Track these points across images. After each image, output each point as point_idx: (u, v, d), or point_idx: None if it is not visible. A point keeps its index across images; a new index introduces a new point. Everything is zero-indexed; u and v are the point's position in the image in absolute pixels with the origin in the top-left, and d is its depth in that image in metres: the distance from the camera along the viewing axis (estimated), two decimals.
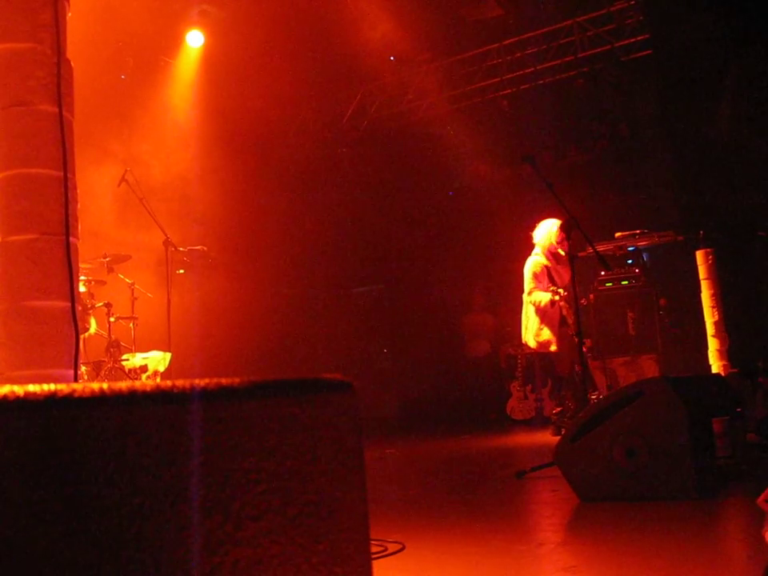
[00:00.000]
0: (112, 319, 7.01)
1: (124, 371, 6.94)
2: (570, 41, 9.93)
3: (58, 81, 2.42)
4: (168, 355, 7.06)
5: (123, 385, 1.11)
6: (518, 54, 10.28)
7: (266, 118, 10.13)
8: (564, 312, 7.08)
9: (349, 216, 11.61)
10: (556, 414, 7.34)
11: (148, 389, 1.11)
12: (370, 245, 11.66)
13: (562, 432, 6.64)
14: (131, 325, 7.18)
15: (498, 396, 9.71)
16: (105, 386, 1.09)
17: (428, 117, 10.94)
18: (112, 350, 6.91)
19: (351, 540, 1.24)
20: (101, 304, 6.92)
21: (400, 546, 2.90)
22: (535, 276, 7.15)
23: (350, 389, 1.24)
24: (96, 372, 6.81)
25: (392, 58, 10.82)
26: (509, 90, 10.41)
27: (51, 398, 1.04)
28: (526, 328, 7.31)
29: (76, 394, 1.05)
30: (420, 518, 3.72)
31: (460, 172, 11.33)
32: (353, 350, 11.31)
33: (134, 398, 1.09)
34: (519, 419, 9.21)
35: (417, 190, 11.36)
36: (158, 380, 6.78)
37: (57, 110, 2.41)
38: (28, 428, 1.03)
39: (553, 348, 7.17)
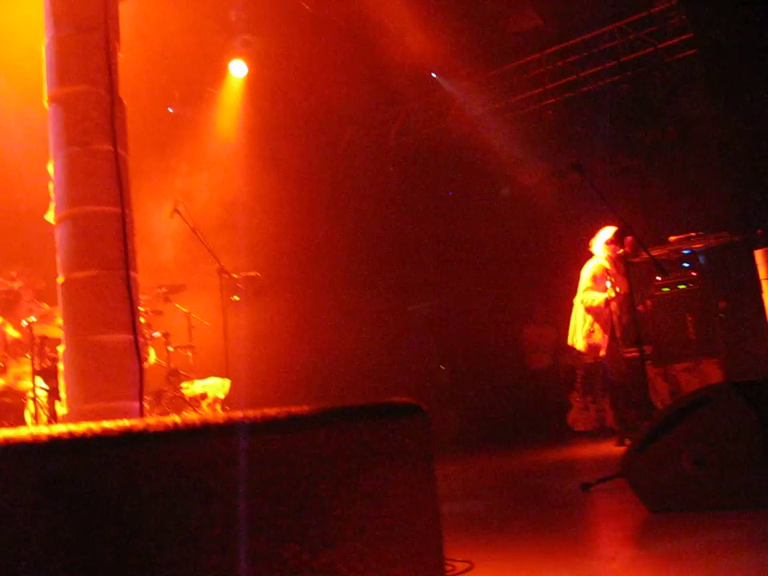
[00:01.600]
0: (170, 348, 7.11)
1: (184, 399, 7.02)
2: (612, 45, 9.85)
3: (112, 120, 2.47)
4: (227, 382, 7.12)
5: (196, 417, 1.12)
6: (560, 63, 10.23)
7: (312, 141, 10.23)
8: (614, 320, 7.00)
9: (400, 234, 11.63)
10: (617, 424, 7.24)
11: (220, 421, 1.12)
12: (424, 261, 11.66)
13: (626, 442, 6.56)
14: (189, 353, 7.26)
15: (559, 408, 9.60)
16: (178, 419, 1.10)
17: (473, 131, 10.93)
18: (172, 378, 6.99)
19: (426, 563, 1.24)
20: (159, 334, 7.02)
21: (468, 565, 2.87)
22: (594, 278, 7.09)
23: (420, 412, 1.24)
24: (157, 401, 6.90)
25: (434, 75, 10.85)
26: (553, 100, 10.36)
27: (127, 434, 1.06)
28: (575, 329, 7.25)
29: (150, 429, 1.07)
30: (486, 534, 3.69)
31: (508, 184, 11.28)
32: (410, 368, 11.29)
33: (206, 430, 1.11)
34: (581, 430, 9.09)
35: (466, 205, 11.34)
36: (218, 407, 6.84)
37: (112, 148, 2.46)
38: (107, 463, 1.04)
39: (602, 353, 7.09)
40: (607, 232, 7.22)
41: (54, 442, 1.05)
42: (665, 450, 3.57)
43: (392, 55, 9.49)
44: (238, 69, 9.69)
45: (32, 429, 1.07)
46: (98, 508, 1.10)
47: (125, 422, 1.10)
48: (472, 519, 4.27)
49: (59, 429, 1.05)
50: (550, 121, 10.34)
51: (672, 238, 8.08)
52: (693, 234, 8.05)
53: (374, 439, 1.22)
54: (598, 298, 6.96)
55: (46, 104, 2.66)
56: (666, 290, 8.13)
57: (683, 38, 9.33)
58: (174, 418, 1.14)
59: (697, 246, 8.15)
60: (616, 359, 7.18)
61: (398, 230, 11.63)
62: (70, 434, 1.04)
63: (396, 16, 8.93)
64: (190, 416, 1.19)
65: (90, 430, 1.06)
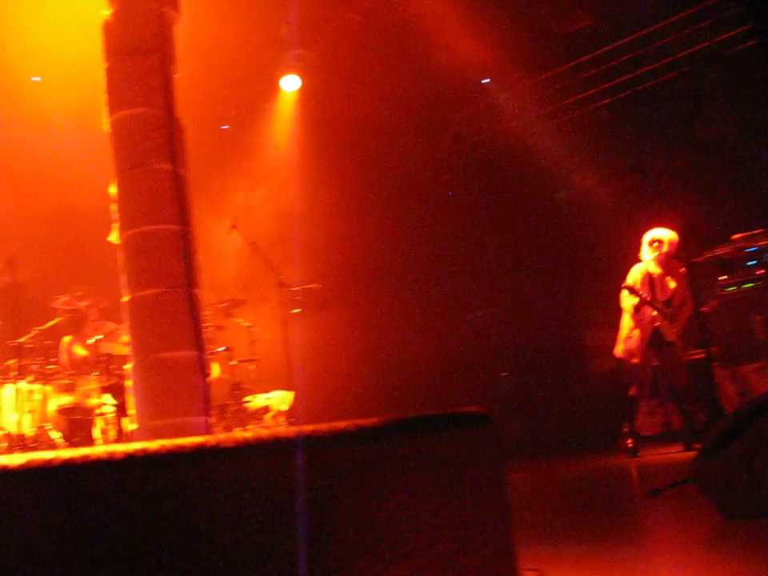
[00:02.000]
0: (233, 362, 7.20)
1: (248, 413, 7.10)
2: (667, 42, 9.69)
3: (171, 140, 2.52)
4: (290, 394, 7.18)
5: (266, 433, 1.13)
6: (614, 62, 10.10)
7: (366, 152, 10.27)
8: (662, 329, 6.88)
9: (457, 242, 11.59)
10: (684, 428, 7.11)
11: (290, 435, 1.13)
12: (483, 268, 11.60)
13: (694, 447, 6.43)
14: (252, 367, 7.34)
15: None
16: (248, 435, 1.11)
17: (526, 136, 10.85)
18: (235, 392, 7.08)
19: (500, 574, 1.23)
20: (222, 349, 7.11)
21: (538, 575, 2.83)
22: (634, 283, 6.98)
23: (489, 421, 1.23)
24: (221, 415, 6.99)
25: (485, 81, 10.81)
26: (607, 100, 10.23)
27: (199, 450, 1.07)
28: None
29: (222, 445, 1.08)
30: (554, 542, 3.63)
31: (565, 188, 11.16)
32: (471, 376, 11.23)
33: (277, 444, 1.12)
34: (647, 434, 8.92)
35: (522, 211, 11.26)
36: (282, 420, 6.90)
37: (171, 167, 2.50)
38: (180, 479, 1.06)
39: (635, 360, 6.98)
40: (650, 234, 7.10)
41: (130, 459, 1.07)
42: (737, 454, 3.48)
43: (443, 63, 9.48)
44: (289, 83, 9.79)
45: (108, 446, 1.09)
46: (172, 523, 1.11)
47: (197, 438, 1.12)
48: (539, 527, 4.21)
49: (134, 446, 1.07)
50: (605, 121, 10.21)
51: (735, 236, 7.91)
52: (757, 231, 7.86)
53: (443, 450, 1.22)
54: (628, 301, 6.86)
55: (106, 127, 2.71)
56: (732, 289, 7.95)
57: (741, 29, 9.13)
58: (244, 434, 1.15)
59: (762, 243, 7.96)
60: (675, 364, 7.05)
61: (455, 238, 11.59)
62: (145, 450, 1.06)
63: (445, 23, 8.93)
64: (259, 431, 1.20)
65: (164, 446, 1.07)
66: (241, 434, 1.15)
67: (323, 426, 1.20)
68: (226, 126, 9.61)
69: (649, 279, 6.99)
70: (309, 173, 9.40)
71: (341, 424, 1.21)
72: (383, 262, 10.30)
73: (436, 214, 11.74)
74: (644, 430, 8.98)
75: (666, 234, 7.10)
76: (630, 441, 7.11)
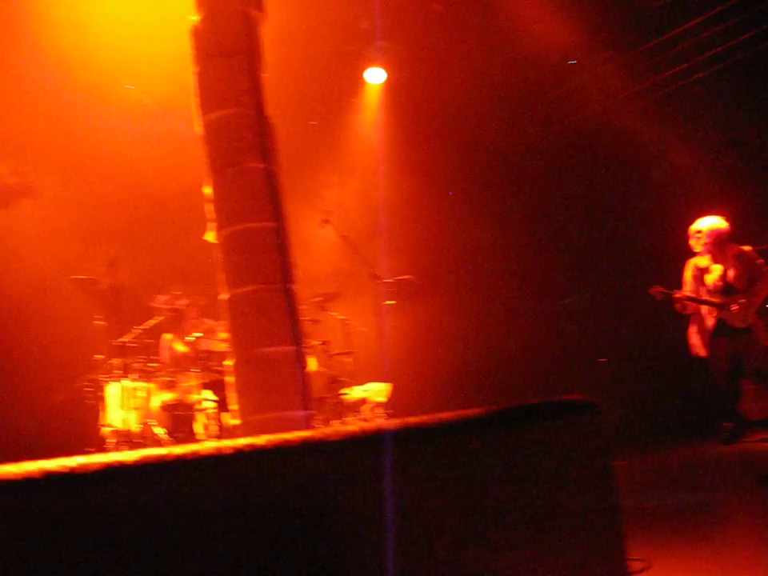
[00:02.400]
0: (330, 356, 7.27)
1: (346, 405, 7.16)
2: (764, 8, 9.29)
3: (262, 138, 2.55)
4: (387, 386, 7.21)
5: (370, 426, 1.14)
6: (707, 33, 9.76)
7: (453, 141, 10.21)
8: (727, 318, 6.66)
9: (550, 226, 11.43)
10: None
11: (395, 427, 1.13)
12: (577, 252, 11.40)
13: None
14: (348, 360, 7.40)
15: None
16: (353, 427, 1.12)
17: (617, 116, 10.60)
18: (332, 385, 7.15)
19: (608, 564, 1.20)
20: (318, 342, 7.19)
21: (646, 565, 2.77)
22: (686, 277, 6.83)
23: (594, 409, 1.21)
24: (319, 408, 7.07)
25: (571, 62, 10.60)
26: (701, 74, 9.89)
27: (306, 443, 1.09)
28: None
29: (329, 438, 1.09)
30: (663, 531, 3.55)
31: (659, 167, 10.86)
32: (569, 362, 11.06)
33: (382, 436, 1.12)
34: (755, 419, 8.62)
35: (616, 193, 11.01)
36: (379, 411, 6.93)
37: (264, 165, 2.54)
38: (289, 471, 1.07)
39: (702, 354, 6.80)
40: (693, 226, 6.91)
41: (238, 454, 1.09)
42: None
43: (527, 47, 9.34)
44: (374, 76, 9.80)
45: (217, 442, 1.11)
46: (282, 514, 1.13)
47: (302, 433, 1.13)
48: (645, 516, 4.13)
49: (242, 441, 1.09)
50: (700, 96, 9.88)
51: None
52: None
53: (548, 439, 1.20)
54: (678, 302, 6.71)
55: (198, 129, 2.77)
56: None
57: None
58: (349, 427, 1.16)
59: None
60: (754, 349, 6.83)
61: (548, 223, 11.43)
62: (252, 445, 1.08)
63: (527, 5, 8.79)
64: (358, 422, 1.20)
65: (270, 441, 1.09)
66: (346, 426, 1.16)
67: (428, 418, 1.20)
68: (314, 122, 9.69)
69: (697, 272, 6.81)
70: (398, 164, 9.40)
71: (446, 415, 1.21)
72: (475, 250, 10.23)
73: (527, 200, 11.60)
74: (752, 415, 8.69)
75: (705, 224, 6.90)
76: (730, 426, 6.92)
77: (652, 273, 10.50)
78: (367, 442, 1.23)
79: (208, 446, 1.14)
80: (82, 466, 1.14)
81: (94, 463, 1.16)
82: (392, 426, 1.23)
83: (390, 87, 9.86)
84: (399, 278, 7.87)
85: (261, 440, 1.15)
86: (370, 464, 1.21)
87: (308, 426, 2.46)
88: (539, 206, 11.51)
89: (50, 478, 1.14)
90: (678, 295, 6.69)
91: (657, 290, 6.73)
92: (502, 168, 11.33)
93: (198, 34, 2.82)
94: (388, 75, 9.73)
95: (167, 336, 8.31)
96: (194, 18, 2.83)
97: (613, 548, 1.29)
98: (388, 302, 7.81)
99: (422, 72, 9.42)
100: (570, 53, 10.02)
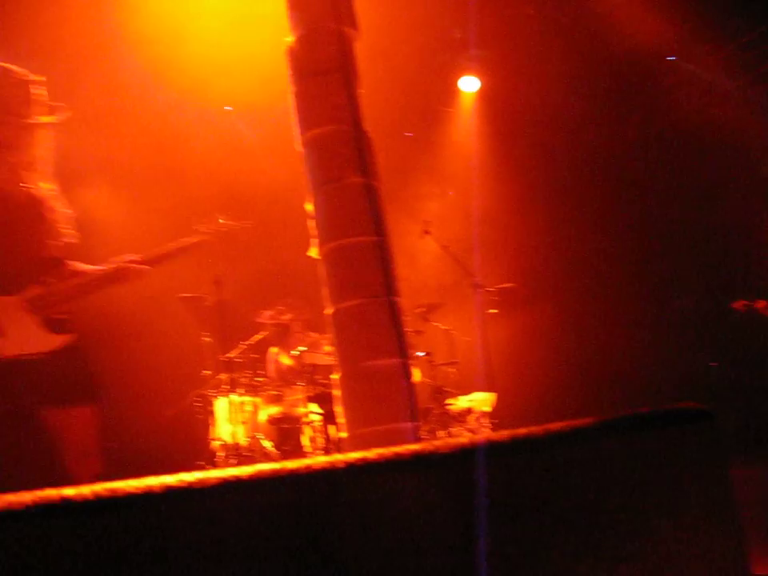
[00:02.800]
0: (434, 367, 7.28)
1: (451, 416, 7.14)
2: None
3: (361, 153, 2.58)
4: (492, 395, 7.16)
5: (480, 437, 1.13)
6: None
7: (551, 147, 10.09)
8: None
9: (654, 229, 11.14)
10: None
11: (505, 438, 1.12)
12: (684, 254, 11.09)
13: None
14: (452, 370, 7.39)
15: None
16: (466, 439, 1.12)
17: (720, 111, 10.26)
18: (437, 396, 7.15)
19: None
20: (422, 353, 7.20)
21: None
22: None
23: (710, 418, 1.17)
24: (425, 419, 7.07)
25: (670, 59, 10.33)
26: None
27: (417, 456, 1.09)
28: None
29: (440, 451, 1.09)
30: None
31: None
32: (678, 367, 10.74)
33: (493, 448, 1.11)
34: None
35: (724, 190, 10.66)
36: (485, 421, 6.88)
37: (364, 180, 2.57)
38: (398, 486, 1.08)
39: None
40: None
41: (350, 468, 1.10)
42: None
43: (622, 46, 9.16)
44: (468, 84, 9.78)
45: (330, 456, 1.13)
46: (396, 526, 1.13)
47: (414, 445, 1.13)
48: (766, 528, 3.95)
49: (354, 455, 1.10)
50: None
51: None
52: None
53: (663, 448, 1.17)
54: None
55: (298, 147, 2.83)
56: None
57: None
58: (461, 439, 1.16)
59: None
60: None
61: (651, 225, 11.14)
62: (363, 459, 1.09)
63: (621, 4, 8.62)
64: (476, 435, 1.20)
65: (381, 455, 1.09)
66: (456, 438, 1.16)
67: (537, 428, 1.18)
68: (410, 134, 9.75)
69: None
70: (496, 171, 9.35)
71: (555, 425, 1.19)
72: (578, 255, 10.06)
73: (629, 202, 11.34)
74: None
75: None
76: None
77: (764, 273, 10.11)
78: (477, 454, 1.22)
79: (320, 460, 1.15)
80: (200, 481, 1.17)
81: (212, 478, 1.18)
82: (502, 437, 1.22)
83: (485, 94, 9.82)
84: (501, 286, 7.82)
85: (371, 453, 1.16)
86: (480, 475, 1.20)
87: (416, 438, 2.46)
88: (642, 207, 11.24)
89: (169, 492, 1.18)
90: (761, 305, 6.42)
91: (739, 304, 6.49)
92: (601, 170, 11.11)
93: (294, 54, 2.88)
94: (482, 83, 9.69)
95: (273, 350, 8.47)
96: (290, 38, 2.89)
97: (733, 562, 1.24)
98: (491, 311, 7.78)
99: (515, 77, 9.36)
100: (667, 49, 9.77)
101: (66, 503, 1.16)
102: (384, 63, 7.48)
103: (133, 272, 3.88)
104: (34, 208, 3.77)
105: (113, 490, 1.17)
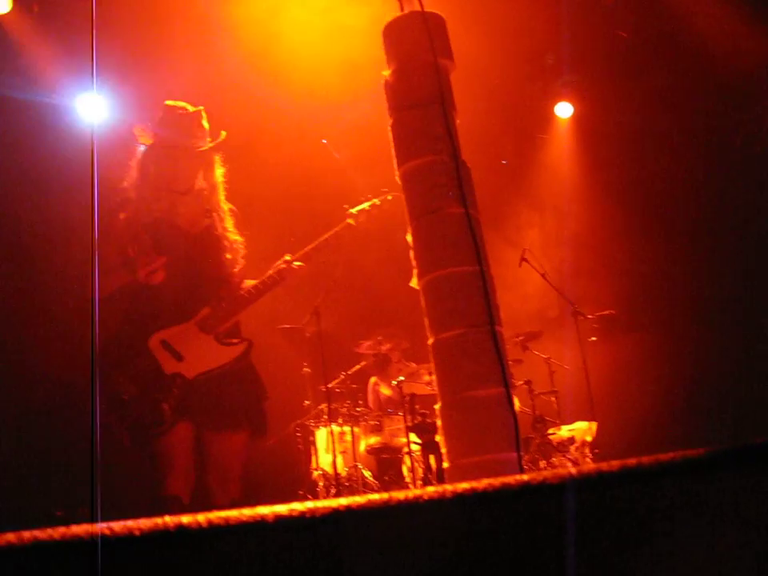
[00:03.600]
0: (534, 396, 7.19)
1: (553, 445, 7.03)
2: None
3: (460, 184, 2.60)
4: (593, 424, 7.02)
5: (589, 468, 1.11)
6: None
7: (649, 171, 9.90)
8: None
9: (761, 253, 10.76)
10: None
11: (615, 468, 1.10)
12: None
13: None
14: (553, 398, 7.29)
15: None
16: (575, 470, 1.10)
17: None
18: (538, 425, 7.04)
19: None
20: (521, 382, 7.12)
21: None
22: None
23: None
24: (526, 449, 6.97)
25: None
26: None
27: (525, 487, 1.08)
28: None
29: (550, 481, 1.08)
30: None
31: None
32: None
33: (603, 479, 1.09)
34: None
35: None
36: (587, 451, 6.75)
37: (463, 210, 2.58)
38: (510, 517, 1.07)
39: None
40: None
41: (459, 498, 1.10)
42: None
43: (720, 62, 8.94)
44: (563, 110, 9.73)
45: (440, 486, 1.13)
46: (503, 558, 1.12)
47: (523, 476, 1.13)
48: None
49: (463, 485, 1.10)
50: None
51: None
52: None
53: None
54: None
55: (398, 179, 2.87)
56: None
57: None
58: (570, 469, 1.14)
59: None
60: None
61: (757, 249, 10.77)
62: (473, 489, 1.09)
63: (719, 19, 8.43)
64: (585, 465, 1.18)
65: (491, 484, 1.09)
66: (565, 468, 1.14)
67: (648, 459, 1.16)
68: (505, 161, 9.73)
69: None
70: (593, 197, 9.23)
71: (666, 456, 1.16)
72: (680, 280, 9.80)
73: (731, 227, 11.00)
74: None
75: None
76: None
77: None
78: (587, 485, 1.20)
79: (430, 490, 1.16)
80: (310, 510, 1.19)
81: (321, 507, 1.20)
82: (611, 468, 1.20)
83: (580, 119, 9.74)
84: (600, 313, 7.68)
85: (481, 484, 1.15)
86: (589, 507, 1.18)
87: (520, 469, 2.43)
88: (745, 231, 10.88)
89: (280, 521, 1.20)
90: None
91: None
92: (702, 194, 10.82)
93: (390, 87, 2.93)
94: (578, 107, 9.62)
95: (372, 379, 8.52)
96: (386, 72, 2.94)
97: None
98: (590, 339, 7.65)
99: (611, 101, 9.25)
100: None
101: (181, 530, 1.19)
102: (479, 92, 7.51)
103: (289, 272, 4.03)
104: (210, 238, 3.94)
105: (226, 519, 1.20)
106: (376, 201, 4.35)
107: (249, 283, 4.15)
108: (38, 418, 6.78)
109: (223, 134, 4.01)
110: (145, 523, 1.22)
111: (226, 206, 4.14)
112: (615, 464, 1.19)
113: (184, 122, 3.94)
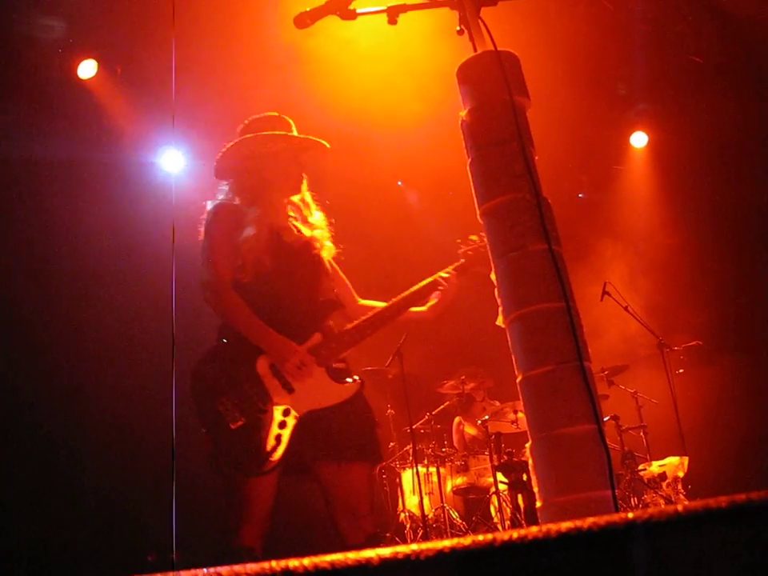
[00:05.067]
0: (621, 431, 7.07)
1: (644, 482, 6.87)
2: None
3: (542, 220, 2.60)
4: (685, 459, 6.85)
5: (697, 503, 1.09)
6: None
7: (731, 195, 9.70)
8: None
9: None
10: None
11: (723, 505, 1.07)
12: None
13: None
14: (642, 434, 7.15)
15: None
16: (680, 506, 1.08)
17: None
18: (627, 461, 6.91)
19: None
20: (608, 418, 7.01)
21: None
22: None
23: None
24: (617, 485, 6.83)
25: None
26: None
27: (632, 526, 1.06)
28: None
29: (657, 518, 1.06)
30: None
31: None
32: None
33: (710, 515, 1.07)
34: None
35: None
36: (679, 487, 6.56)
37: (546, 246, 2.58)
38: (598, 559, 1.06)
39: None
40: None
41: (563, 537, 1.09)
42: None
43: None
44: (639, 139, 9.65)
45: (545, 525, 1.12)
46: None
47: (628, 513, 1.11)
48: None
49: (567, 524, 1.09)
50: None
51: None
52: None
53: None
54: None
55: (479, 218, 2.88)
56: None
57: None
58: (678, 506, 1.12)
59: None
60: None
61: None
62: (577, 528, 1.08)
63: None
64: (691, 501, 1.16)
65: (595, 523, 1.08)
66: (673, 505, 1.12)
67: (756, 494, 1.13)
68: (582, 195, 9.68)
69: None
70: (673, 227, 9.09)
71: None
72: (766, 308, 9.53)
73: None
74: None
75: None
76: None
77: None
78: (691, 522, 1.18)
79: (534, 530, 1.15)
80: (414, 552, 1.20)
81: (425, 549, 1.21)
82: (718, 504, 1.17)
83: (656, 148, 9.63)
84: (687, 344, 7.52)
85: (585, 522, 1.14)
86: (695, 546, 1.16)
87: (616, 507, 2.38)
88: None
89: (386, 563, 1.21)
90: None
91: None
92: None
93: (467, 127, 2.95)
94: (652, 136, 9.54)
95: (457, 419, 8.48)
96: (463, 112, 2.98)
97: None
98: (678, 371, 7.48)
99: (686, 128, 9.12)
100: None
101: (287, 573, 1.21)
102: (554, 127, 7.50)
103: (405, 309, 3.77)
104: (311, 250, 3.70)
105: (332, 563, 1.22)
106: (474, 237, 4.11)
107: (362, 304, 3.97)
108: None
109: (325, 143, 3.81)
110: (252, 567, 1.24)
111: (318, 222, 3.90)
112: (723, 500, 1.16)
113: (284, 126, 3.80)
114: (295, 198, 3.82)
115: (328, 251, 3.82)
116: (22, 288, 6.86)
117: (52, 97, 7.19)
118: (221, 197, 3.74)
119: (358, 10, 3.08)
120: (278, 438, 3.29)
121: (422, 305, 3.86)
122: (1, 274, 6.80)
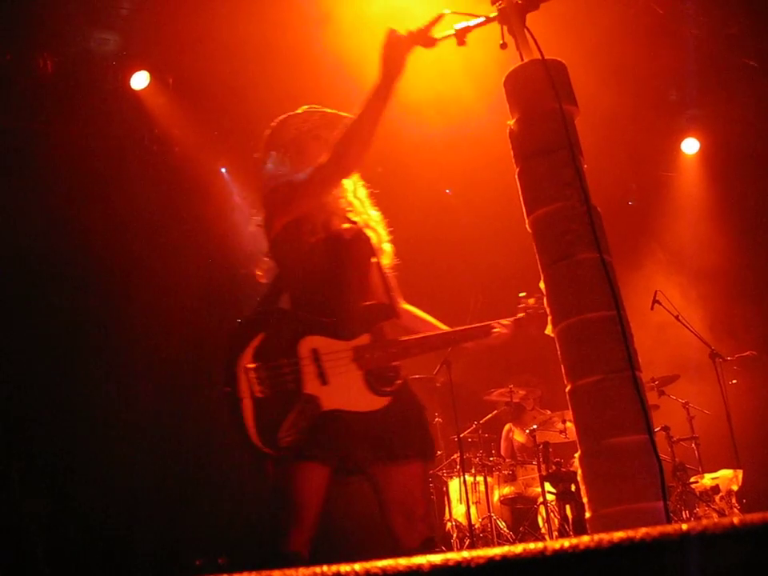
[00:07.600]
0: (672, 442, 6.96)
1: (695, 494, 6.76)
2: None
3: (592, 228, 2.58)
4: (739, 473, 6.72)
5: (752, 517, 1.07)
6: None
7: None
8: None
9: None
10: None
11: None
12: None
13: None
14: (693, 445, 7.04)
15: None
16: (736, 519, 1.07)
17: None
18: (678, 473, 6.81)
19: None
20: (658, 429, 6.91)
21: None
22: None
23: None
24: (668, 497, 6.73)
25: None
26: None
27: (686, 537, 1.05)
28: None
29: (711, 530, 1.05)
30: None
31: None
32: None
33: (765, 529, 1.05)
34: None
35: None
36: (733, 500, 6.44)
37: (597, 255, 2.56)
38: (660, 568, 1.05)
39: None
40: None
41: (615, 548, 1.08)
42: None
43: None
44: (690, 146, 9.54)
45: (596, 534, 1.12)
46: None
47: (682, 524, 1.10)
48: None
49: (619, 535, 1.08)
50: None
51: None
52: None
53: None
54: None
55: (528, 227, 2.87)
56: None
57: None
58: (722, 520, 1.11)
59: None
60: None
61: None
62: (630, 538, 1.07)
63: None
64: (745, 515, 1.14)
65: (648, 533, 1.07)
66: (728, 518, 1.11)
67: None
68: (632, 202, 9.59)
69: None
70: (725, 234, 8.94)
71: None
72: None
73: None
74: None
75: None
76: None
77: None
78: (747, 536, 1.17)
79: (586, 539, 1.15)
80: (465, 560, 1.20)
81: (476, 557, 1.21)
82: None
83: (707, 154, 9.50)
84: (741, 354, 7.39)
85: (638, 533, 1.14)
86: (751, 561, 1.15)
87: (667, 518, 2.35)
88: None
89: (435, 570, 1.21)
90: None
91: None
92: None
93: (515, 136, 2.95)
94: (704, 143, 9.42)
95: (506, 426, 8.44)
96: (510, 121, 2.97)
97: None
98: (731, 382, 7.36)
99: (739, 133, 8.98)
100: None
101: None
102: (603, 135, 7.44)
103: (467, 338, 3.64)
104: (362, 246, 3.56)
105: (383, 569, 1.23)
106: (531, 301, 3.98)
107: (421, 317, 3.82)
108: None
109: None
110: (304, 572, 1.26)
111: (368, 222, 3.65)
112: None
113: (329, 118, 3.70)
114: (348, 189, 3.69)
115: (387, 257, 3.71)
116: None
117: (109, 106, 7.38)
118: (270, 165, 3.63)
119: (436, 36, 3.11)
120: (295, 424, 3.13)
121: (470, 343, 3.78)
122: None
